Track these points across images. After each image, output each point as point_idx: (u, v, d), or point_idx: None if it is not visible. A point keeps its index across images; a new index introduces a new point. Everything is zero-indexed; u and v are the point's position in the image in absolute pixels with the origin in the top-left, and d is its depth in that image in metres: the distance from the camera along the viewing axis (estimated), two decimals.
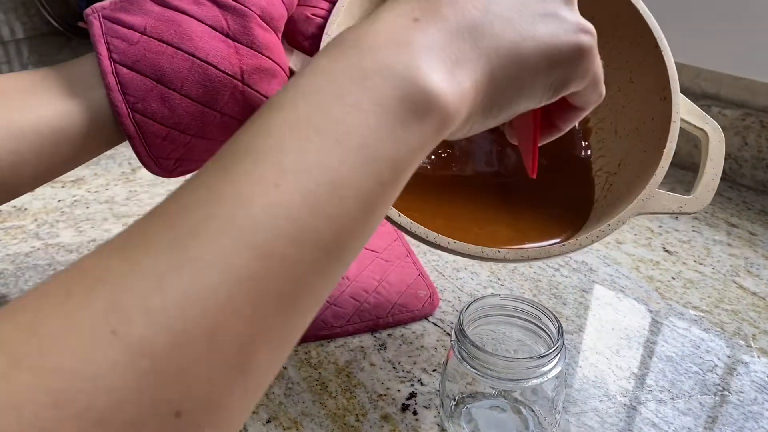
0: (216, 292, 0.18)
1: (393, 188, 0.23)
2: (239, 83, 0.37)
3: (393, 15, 0.25)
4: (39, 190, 0.74)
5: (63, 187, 0.75)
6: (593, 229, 0.41)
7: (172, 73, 0.36)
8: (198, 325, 0.18)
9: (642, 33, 0.44)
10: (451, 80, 0.24)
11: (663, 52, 0.43)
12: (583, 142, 0.50)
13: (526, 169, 0.37)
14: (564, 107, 0.34)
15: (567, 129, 0.36)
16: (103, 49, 0.35)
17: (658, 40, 0.43)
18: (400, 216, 0.39)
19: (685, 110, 0.43)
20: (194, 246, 0.19)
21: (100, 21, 0.36)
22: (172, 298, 0.18)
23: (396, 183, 0.23)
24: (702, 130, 0.44)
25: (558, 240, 0.44)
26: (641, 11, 0.44)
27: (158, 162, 0.39)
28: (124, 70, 0.35)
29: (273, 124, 0.22)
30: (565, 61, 0.27)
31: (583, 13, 0.31)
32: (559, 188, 0.48)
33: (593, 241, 0.40)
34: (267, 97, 0.38)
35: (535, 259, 0.41)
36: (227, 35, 0.36)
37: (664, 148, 0.42)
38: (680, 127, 0.43)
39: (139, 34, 0.35)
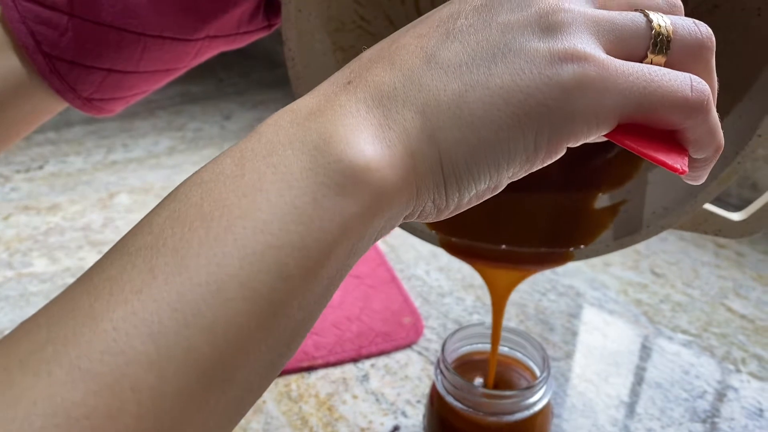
0: None
1: (308, 283, 0.18)
2: (206, 41, 0.32)
3: (328, 83, 0.21)
4: (12, 218, 0.72)
5: (38, 214, 0.73)
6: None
7: (122, 60, 0.30)
8: None
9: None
10: (379, 146, 0.19)
11: None
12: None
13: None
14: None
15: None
16: (29, 40, 0.28)
17: None
18: None
19: None
20: (19, 381, 0.15)
21: None
22: None
23: (312, 277, 0.18)
24: None
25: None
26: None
27: (100, 110, 0.34)
28: (65, 66, 0.29)
29: (158, 217, 0.18)
30: (542, 104, 0.19)
31: None
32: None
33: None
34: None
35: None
36: None
37: (734, 156, 0.30)
38: None
39: (66, 17, 0.28)
